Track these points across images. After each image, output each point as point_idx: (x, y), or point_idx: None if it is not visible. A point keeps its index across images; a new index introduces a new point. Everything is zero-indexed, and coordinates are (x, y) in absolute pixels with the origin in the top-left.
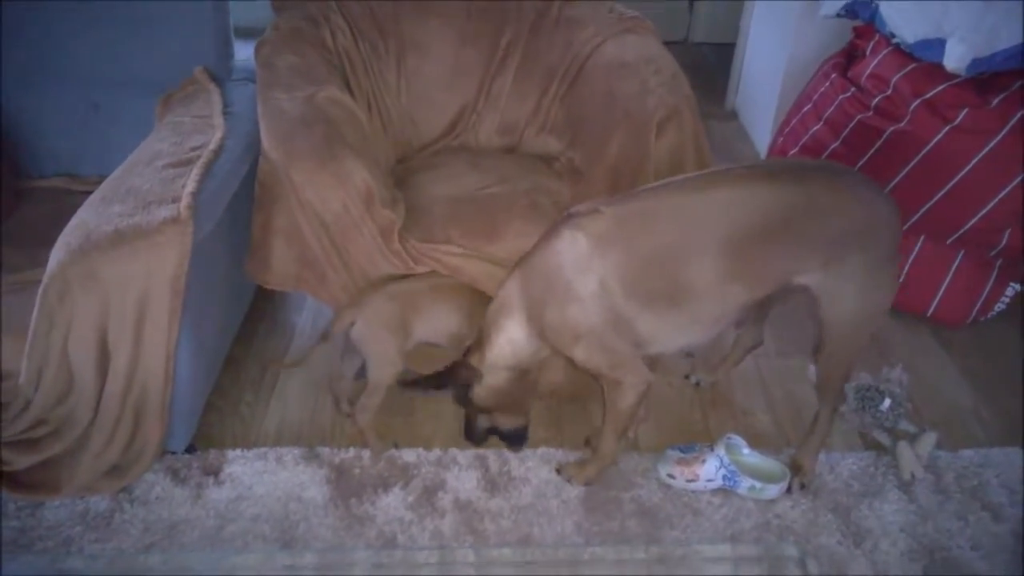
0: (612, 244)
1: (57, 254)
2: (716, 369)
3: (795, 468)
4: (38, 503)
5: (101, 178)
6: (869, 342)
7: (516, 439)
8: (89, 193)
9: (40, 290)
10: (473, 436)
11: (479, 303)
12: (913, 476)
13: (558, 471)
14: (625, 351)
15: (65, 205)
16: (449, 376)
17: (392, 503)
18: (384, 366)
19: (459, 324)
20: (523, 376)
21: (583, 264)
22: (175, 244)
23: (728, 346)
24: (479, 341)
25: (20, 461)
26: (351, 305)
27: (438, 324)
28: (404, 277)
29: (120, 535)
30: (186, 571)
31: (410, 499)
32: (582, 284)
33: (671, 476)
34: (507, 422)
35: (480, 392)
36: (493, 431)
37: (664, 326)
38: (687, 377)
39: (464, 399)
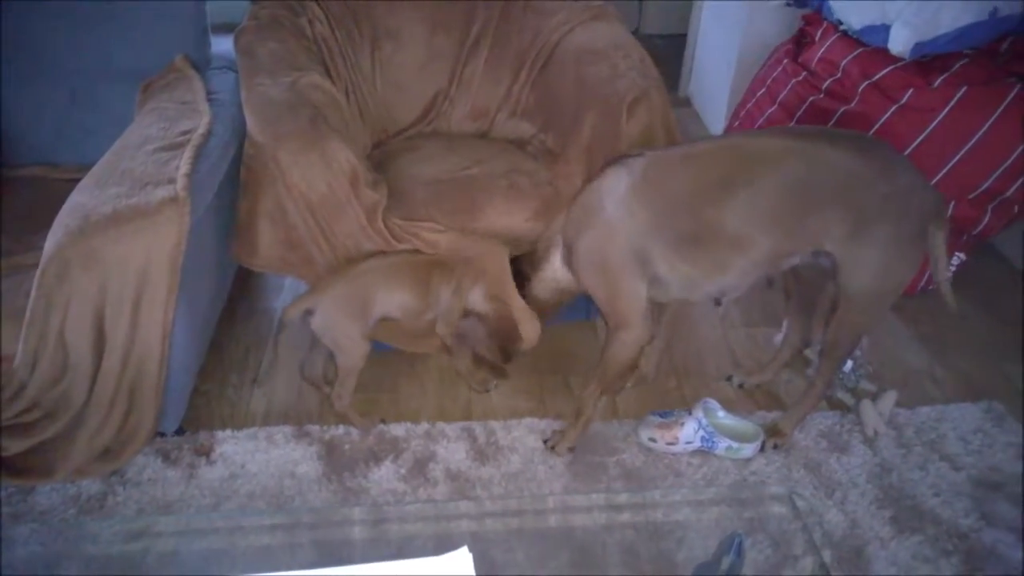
0: (651, 181)
1: (55, 236)
2: (762, 371)
3: (773, 431)
4: (30, 488)
5: (80, 167)
6: (879, 321)
7: (499, 370)
8: (68, 181)
9: (38, 272)
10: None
11: (433, 275)
12: (876, 432)
13: (545, 442)
14: (640, 297)
15: (47, 193)
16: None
17: (385, 475)
18: (350, 352)
19: (415, 297)
20: (563, 292)
21: (618, 195)
22: (174, 223)
23: (775, 348)
24: (532, 262)
25: (13, 446)
26: (307, 293)
27: (395, 299)
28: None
29: (114, 519)
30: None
31: (402, 471)
32: (614, 213)
33: (652, 440)
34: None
35: (534, 290)
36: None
37: (689, 269)
38: (729, 379)
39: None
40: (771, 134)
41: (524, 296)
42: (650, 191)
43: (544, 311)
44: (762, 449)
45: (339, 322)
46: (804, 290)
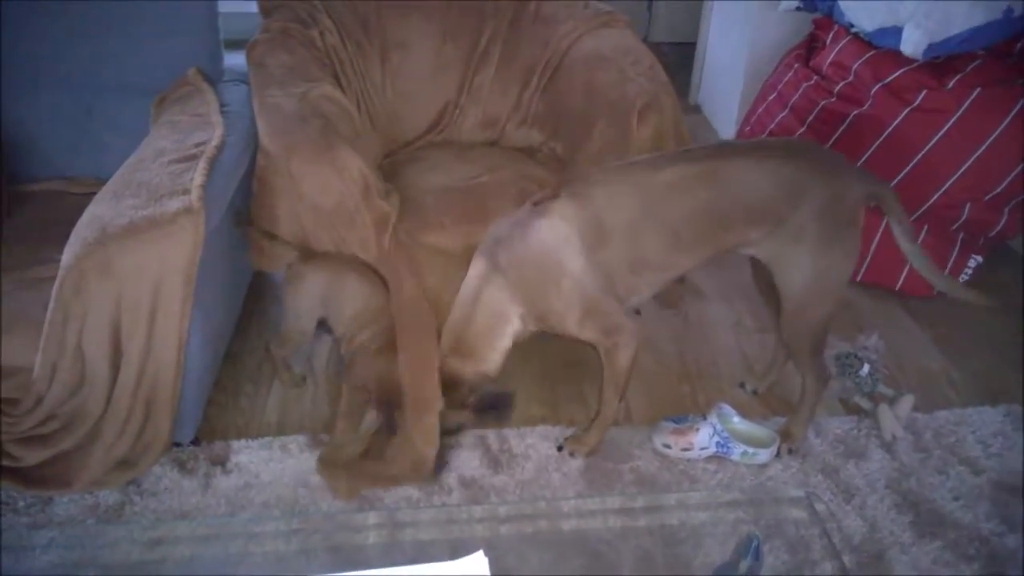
0: (585, 221)
1: (72, 248)
2: (766, 374)
3: (784, 435)
4: (48, 498)
5: (96, 180)
6: (836, 310)
7: (503, 404)
8: (85, 195)
9: (56, 284)
10: (485, 406)
11: (384, 298)
12: (894, 436)
13: (559, 448)
14: (617, 313)
15: (62, 207)
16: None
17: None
18: (290, 319)
19: (362, 310)
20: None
21: (569, 244)
22: (189, 234)
23: (771, 353)
24: (468, 348)
25: (30, 457)
26: (301, 256)
27: (348, 305)
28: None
29: (131, 526)
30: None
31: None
32: (574, 263)
33: (667, 446)
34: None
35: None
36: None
37: (633, 285)
38: (742, 386)
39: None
40: (675, 161)
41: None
42: (592, 230)
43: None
44: (777, 455)
45: (297, 287)
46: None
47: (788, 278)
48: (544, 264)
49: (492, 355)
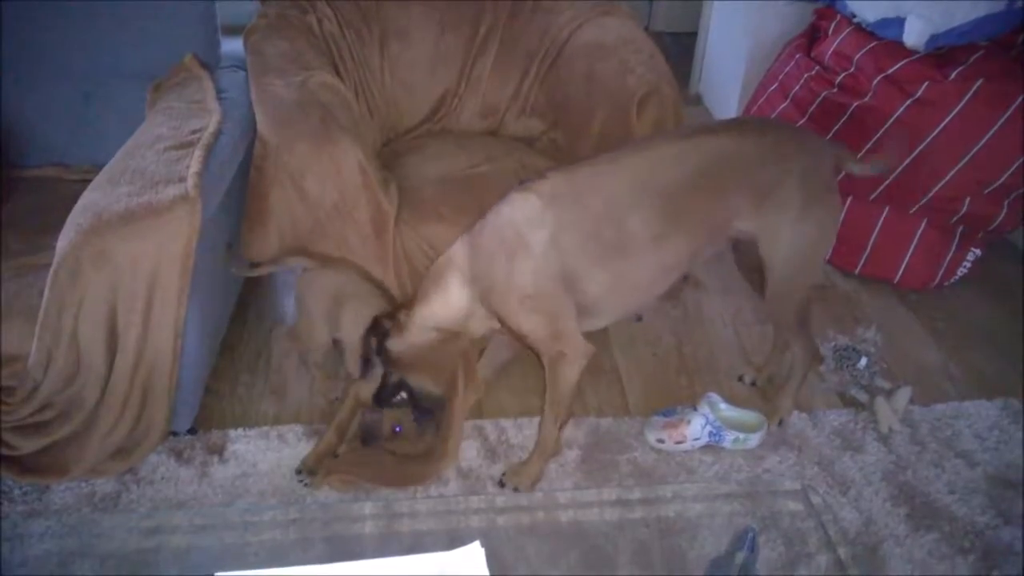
0: (561, 202)
1: (67, 235)
2: (767, 363)
3: (772, 410)
4: (44, 487)
5: (93, 167)
6: (815, 282)
7: (425, 410)
8: (82, 182)
9: (51, 271)
10: (382, 396)
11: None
12: (891, 429)
13: (501, 484)
14: (570, 318)
15: (59, 194)
16: (370, 329)
17: None
18: (303, 321)
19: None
20: (449, 340)
21: (535, 220)
22: (185, 221)
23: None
24: (411, 299)
25: (26, 445)
26: (317, 263)
27: (352, 315)
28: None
29: (128, 515)
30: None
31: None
32: (535, 239)
33: (660, 441)
34: (424, 385)
35: (399, 346)
36: (408, 394)
37: (617, 283)
38: (741, 379)
39: (379, 350)
40: (659, 140)
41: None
42: (567, 211)
43: (426, 369)
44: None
45: (309, 294)
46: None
47: (774, 249)
48: (504, 235)
49: (423, 306)
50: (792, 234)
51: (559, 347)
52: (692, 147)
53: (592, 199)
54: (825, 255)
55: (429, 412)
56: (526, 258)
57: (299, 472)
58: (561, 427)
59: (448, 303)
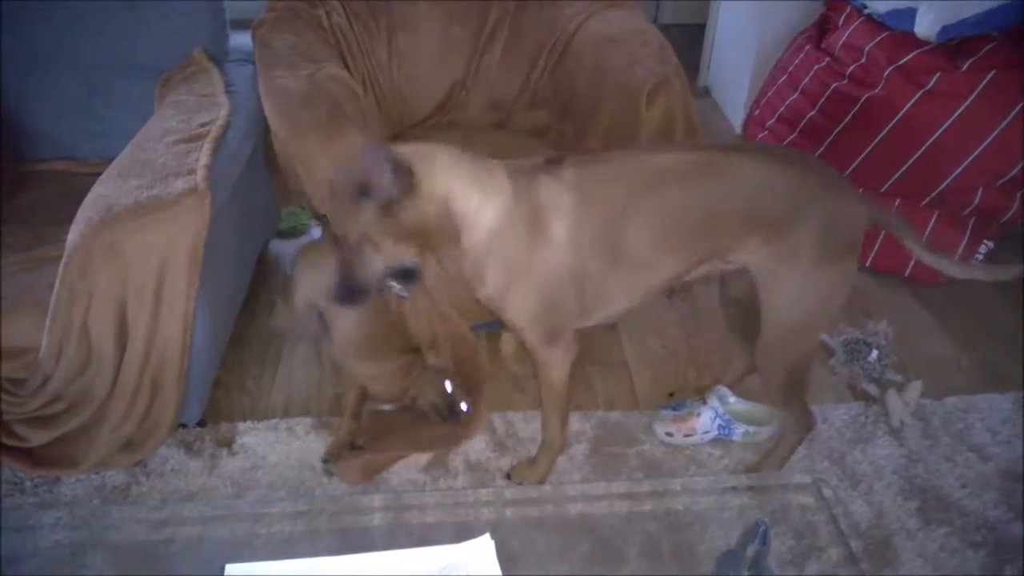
0: (590, 194)
1: (78, 228)
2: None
3: (750, 469)
4: (54, 479)
5: (102, 160)
6: (813, 348)
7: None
8: (91, 175)
9: (61, 264)
10: (358, 282)
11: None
12: (902, 423)
13: (508, 477)
14: (568, 319)
15: (67, 187)
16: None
17: (404, 466)
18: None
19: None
20: (448, 220)
21: (565, 210)
22: (194, 214)
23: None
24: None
25: (37, 437)
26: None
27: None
28: None
29: (138, 507)
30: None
31: (422, 461)
32: (562, 231)
33: (669, 434)
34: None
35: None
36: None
37: (602, 290)
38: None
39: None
40: (674, 147)
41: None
42: (590, 205)
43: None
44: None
45: (304, 272)
46: (738, 309)
47: (775, 299)
48: (532, 212)
49: (445, 191)
50: (797, 287)
51: (550, 347)
52: (707, 164)
53: (605, 199)
54: (828, 321)
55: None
56: (546, 244)
57: (326, 461)
58: (564, 423)
59: (473, 202)
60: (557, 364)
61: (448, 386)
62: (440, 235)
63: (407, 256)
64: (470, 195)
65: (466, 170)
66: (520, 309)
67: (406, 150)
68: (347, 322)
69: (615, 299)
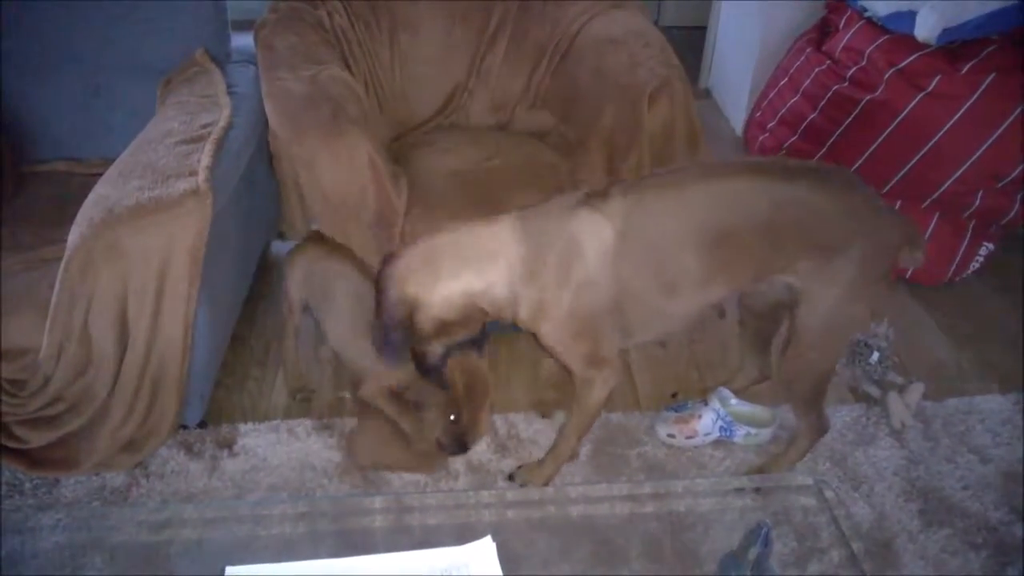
0: (627, 226)
1: (79, 228)
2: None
3: (759, 470)
4: (54, 480)
5: (103, 161)
6: (839, 357)
7: (477, 343)
8: (92, 176)
9: (62, 265)
10: (427, 367)
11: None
12: (903, 424)
13: (510, 478)
14: (610, 344)
15: (69, 188)
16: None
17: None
18: (282, 297)
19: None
20: (473, 315)
21: (605, 247)
22: (195, 215)
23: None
24: (441, 265)
25: (37, 438)
26: (305, 245)
27: (337, 298)
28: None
29: (138, 509)
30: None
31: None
32: (597, 262)
33: (671, 436)
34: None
35: (423, 320)
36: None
37: (650, 316)
38: (674, 395)
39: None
40: (737, 171)
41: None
42: (635, 236)
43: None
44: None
45: (292, 272)
46: (759, 323)
47: (813, 317)
48: (565, 251)
49: (446, 286)
50: (837, 306)
51: (593, 370)
52: (764, 188)
53: (654, 227)
54: (852, 337)
55: (480, 344)
56: (585, 280)
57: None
58: (580, 438)
59: (484, 284)
60: (597, 388)
61: (451, 418)
62: (468, 315)
63: (457, 336)
64: (472, 280)
65: (458, 263)
66: (555, 339)
67: (398, 269)
68: (338, 312)
69: (664, 322)
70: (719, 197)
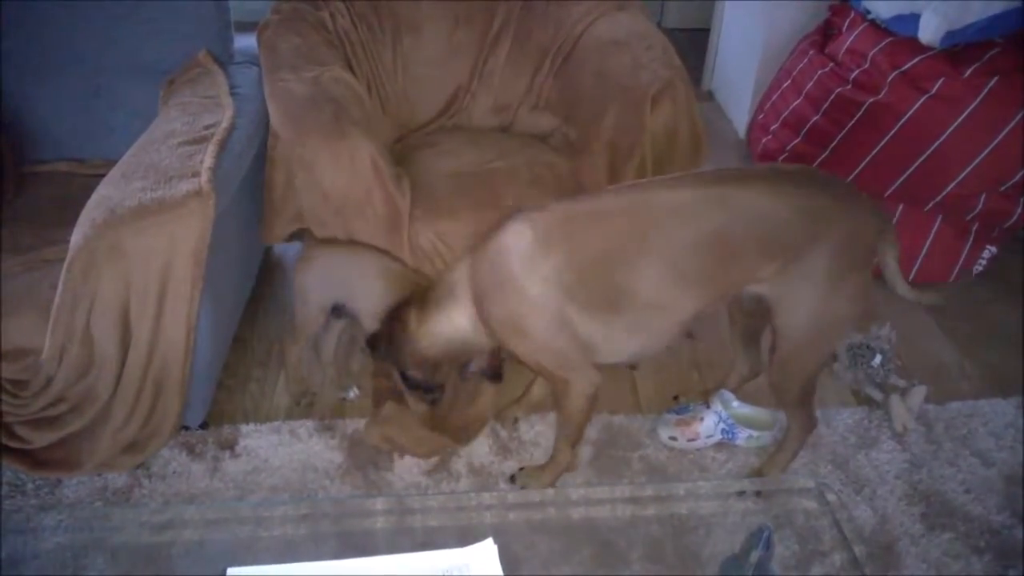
0: (557, 242)
1: (81, 229)
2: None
3: (755, 472)
4: (56, 480)
5: (104, 162)
6: (830, 355)
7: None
8: (93, 177)
9: (65, 266)
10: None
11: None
12: (905, 427)
13: (511, 480)
14: (572, 353)
15: (70, 188)
16: (383, 330)
17: (407, 469)
18: (298, 305)
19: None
20: (458, 348)
21: (527, 256)
22: (198, 216)
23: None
24: (421, 306)
25: (39, 439)
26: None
27: (371, 286)
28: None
29: (140, 509)
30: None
31: (425, 465)
32: (526, 277)
33: (673, 438)
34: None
35: (410, 352)
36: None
37: (608, 333)
38: (676, 398)
39: (387, 352)
40: (680, 184)
41: (398, 349)
42: (556, 252)
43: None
44: (742, 494)
45: (304, 272)
46: (748, 320)
47: (791, 319)
48: (500, 268)
49: (430, 332)
50: (814, 306)
51: (563, 376)
52: (716, 199)
53: (589, 241)
54: (842, 335)
55: (432, 390)
56: (513, 292)
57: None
58: (575, 444)
59: (454, 326)
60: (574, 395)
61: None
62: (453, 350)
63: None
64: (438, 317)
65: (428, 304)
66: (521, 350)
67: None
68: (377, 293)
69: (629, 341)
70: (667, 211)
